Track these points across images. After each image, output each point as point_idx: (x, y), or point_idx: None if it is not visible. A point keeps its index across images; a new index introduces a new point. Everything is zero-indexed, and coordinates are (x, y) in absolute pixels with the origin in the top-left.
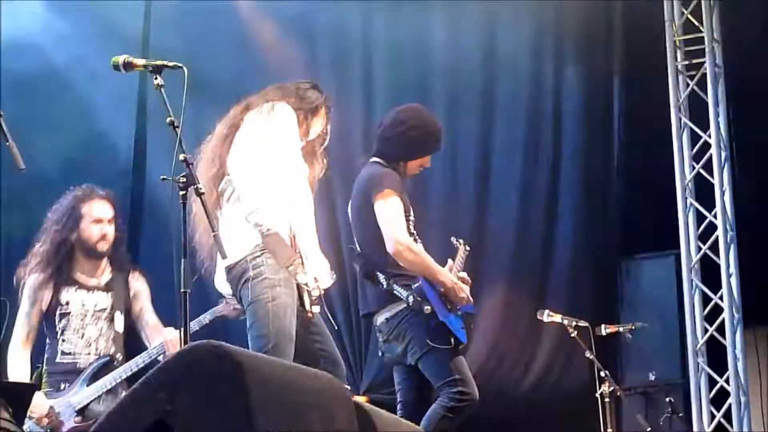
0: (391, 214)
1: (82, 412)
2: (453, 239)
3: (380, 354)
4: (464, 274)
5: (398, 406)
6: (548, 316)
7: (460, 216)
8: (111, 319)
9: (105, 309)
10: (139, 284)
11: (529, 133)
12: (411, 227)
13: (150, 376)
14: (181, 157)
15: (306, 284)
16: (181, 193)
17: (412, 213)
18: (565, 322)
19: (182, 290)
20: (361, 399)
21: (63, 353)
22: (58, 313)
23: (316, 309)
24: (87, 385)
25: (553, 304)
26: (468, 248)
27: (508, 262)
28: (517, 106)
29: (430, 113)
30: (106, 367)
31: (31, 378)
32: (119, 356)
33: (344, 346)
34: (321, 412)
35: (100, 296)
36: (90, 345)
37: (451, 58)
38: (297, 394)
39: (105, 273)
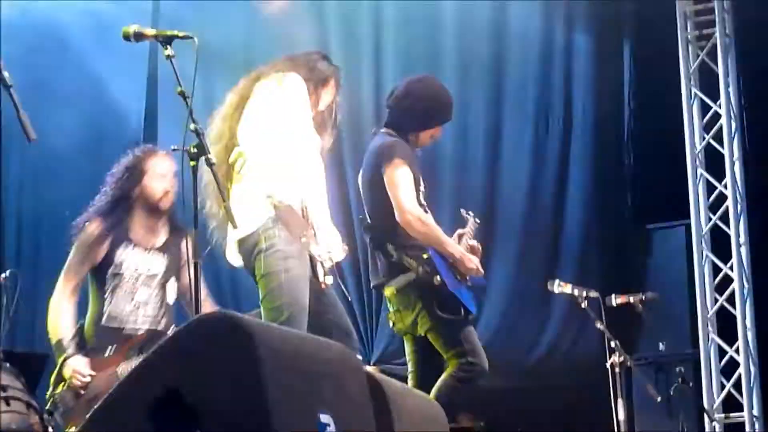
0: (401, 185)
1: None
2: (462, 212)
3: (390, 325)
4: (475, 242)
5: (409, 377)
6: (558, 287)
7: (470, 186)
8: (163, 286)
9: (158, 274)
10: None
11: (539, 103)
12: (421, 198)
13: (161, 347)
14: (192, 127)
15: (318, 255)
16: (192, 163)
17: (422, 183)
18: (576, 292)
19: (193, 261)
20: (372, 369)
21: (110, 315)
22: (110, 272)
23: (329, 280)
24: (136, 357)
25: (563, 275)
26: (478, 221)
27: (519, 233)
28: (528, 75)
29: (441, 84)
30: (157, 338)
31: (74, 332)
32: (170, 329)
33: (356, 316)
34: (333, 382)
35: (155, 259)
36: (138, 309)
37: (462, 27)
38: (309, 364)
39: (162, 234)
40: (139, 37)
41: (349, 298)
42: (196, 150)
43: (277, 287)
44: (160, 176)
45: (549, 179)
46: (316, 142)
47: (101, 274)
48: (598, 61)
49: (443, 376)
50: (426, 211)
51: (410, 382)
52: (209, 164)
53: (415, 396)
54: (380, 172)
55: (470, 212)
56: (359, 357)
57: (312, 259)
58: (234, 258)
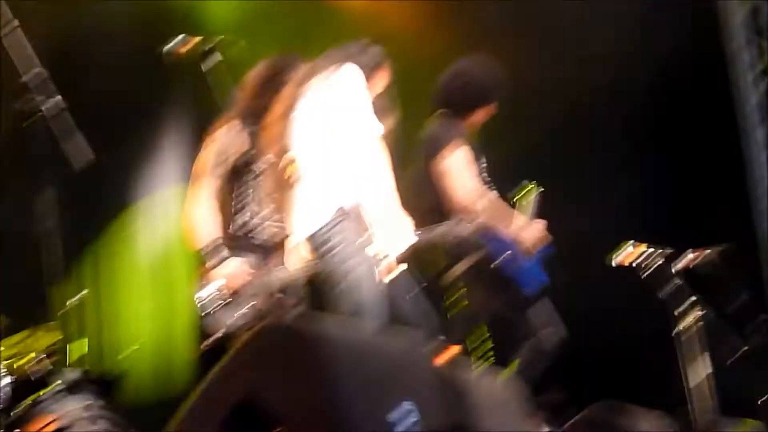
0: (459, 168)
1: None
2: (524, 182)
3: (462, 305)
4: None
5: (486, 356)
6: (619, 259)
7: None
8: None
9: None
10: None
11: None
12: (484, 175)
13: (233, 356)
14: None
15: (377, 254)
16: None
17: (484, 159)
18: (636, 263)
19: None
20: (454, 350)
21: (242, 221)
22: (242, 177)
23: (393, 275)
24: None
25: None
26: (540, 189)
27: (582, 204)
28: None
29: (493, 62)
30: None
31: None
32: None
33: (428, 307)
34: (401, 375)
35: None
36: (271, 218)
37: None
38: (376, 361)
39: None
40: (173, 55)
41: (425, 284)
42: (247, 164)
43: (342, 289)
44: None
45: (606, 142)
46: (380, 130)
47: (234, 179)
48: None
49: (523, 351)
50: (490, 188)
51: (488, 361)
52: (260, 170)
53: (490, 378)
54: (438, 157)
55: (532, 182)
56: (441, 337)
57: (373, 257)
58: (293, 263)
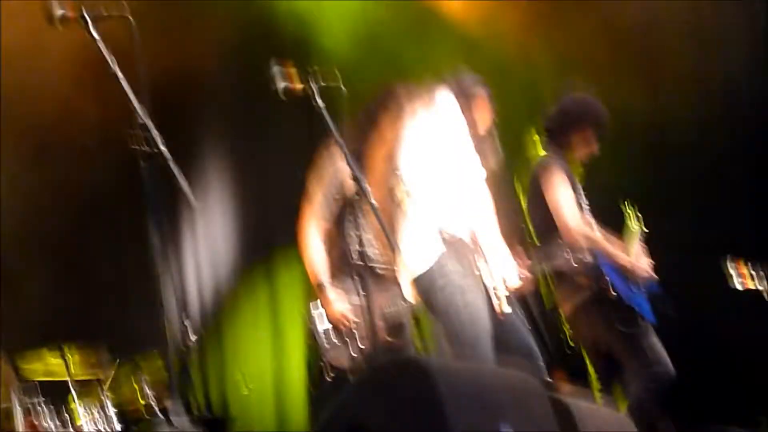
0: (562, 204)
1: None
2: (628, 222)
3: (571, 344)
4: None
5: (596, 393)
6: (740, 284)
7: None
8: None
9: None
10: None
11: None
12: (583, 207)
13: (346, 392)
14: (350, 173)
15: (493, 287)
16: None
17: (581, 192)
18: (761, 287)
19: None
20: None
21: (358, 251)
22: (353, 210)
23: (507, 308)
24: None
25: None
26: (644, 229)
27: (690, 230)
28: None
29: (592, 95)
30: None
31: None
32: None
33: (543, 338)
34: (518, 410)
35: None
36: (383, 249)
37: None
38: (490, 397)
39: None
40: (288, 92)
41: (533, 323)
42: (357, 196)
43: (459, 323)
44: None
45: (714, 161)
46: (480, 163)
47: (350, 208)
48: None
49: (632, 389)
50: (591, 226)
51: (598, 398)
52: (372, 208)
53: (604, 413)
54: (540, 193)
55: (634, 223)
56: (546, 378)
57: (487, 290)
58: (410, 295)
